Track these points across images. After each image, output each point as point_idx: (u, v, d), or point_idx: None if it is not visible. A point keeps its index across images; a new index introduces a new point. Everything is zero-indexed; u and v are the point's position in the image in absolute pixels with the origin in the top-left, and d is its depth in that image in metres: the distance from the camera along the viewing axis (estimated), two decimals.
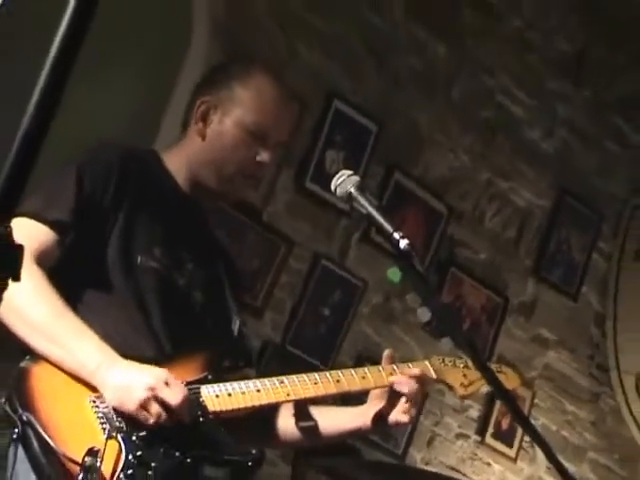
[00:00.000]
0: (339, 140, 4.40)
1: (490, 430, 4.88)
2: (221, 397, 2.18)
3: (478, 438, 4.85)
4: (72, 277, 2.21)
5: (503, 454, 4.92)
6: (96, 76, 3.51)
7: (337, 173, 2.09)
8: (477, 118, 4.87)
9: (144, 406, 2.05)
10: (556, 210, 5.10)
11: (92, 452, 1.99)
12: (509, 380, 2.59)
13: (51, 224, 2.15)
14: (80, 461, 1.95)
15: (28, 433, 1.96)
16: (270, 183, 4.23)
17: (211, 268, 2.44)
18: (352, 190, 2.06)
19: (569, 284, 5.19)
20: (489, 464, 4.89)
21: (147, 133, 3.80)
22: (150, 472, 2.01)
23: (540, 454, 4.84)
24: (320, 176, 4.30)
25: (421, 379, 2.34)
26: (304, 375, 2.27)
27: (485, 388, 2.55)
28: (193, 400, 2.14)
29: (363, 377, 2.34)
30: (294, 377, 2.26)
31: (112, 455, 2.00)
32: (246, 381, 2.23)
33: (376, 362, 4.44)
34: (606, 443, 5.26)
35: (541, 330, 5.11)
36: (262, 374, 2.33)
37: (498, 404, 4.79)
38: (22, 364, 2.07)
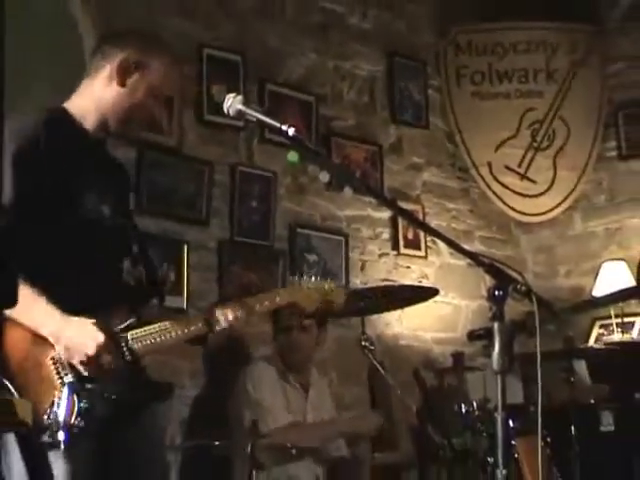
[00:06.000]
0: (217, 76, 4.70)
1: (401, 242, 5.33)
2: (145, 343, 2.36)
3: (395, 252, 5.33)
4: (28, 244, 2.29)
5: (416, 256, 5.39)
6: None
7: (225, 99, 2.13)
8: (311, 23, 5.25)
9: (89, 362, 2.27)
10: (391, 70, 5.57)
11: (52, 405, 2.19)
12: (336, 296, 2.78)
13: None
14: (46, 415, 2.20)
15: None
16: (179, 125, 4.49)
17: (119, 190, 2.59)
18: (240, 107, 2.10)
19: (419, 119, 5.68)
20: (409, 267, 5.40)
21: None
22: (93, 418, 2.24)
23: (442, 246, 5.30)
24: (213, 107, 4.59)
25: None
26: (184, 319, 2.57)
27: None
28: (123, 347, 2.33)
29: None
30: (183, 320, 2.52)
31: (68, 405, 2.21)
32: (159, 324, 2.41)
33: (303, 227, 4.85)
34: (484, 221, 5.77)
35: (412, 159, 5.58)
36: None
37: (401, 222, 5.22)
38: None
